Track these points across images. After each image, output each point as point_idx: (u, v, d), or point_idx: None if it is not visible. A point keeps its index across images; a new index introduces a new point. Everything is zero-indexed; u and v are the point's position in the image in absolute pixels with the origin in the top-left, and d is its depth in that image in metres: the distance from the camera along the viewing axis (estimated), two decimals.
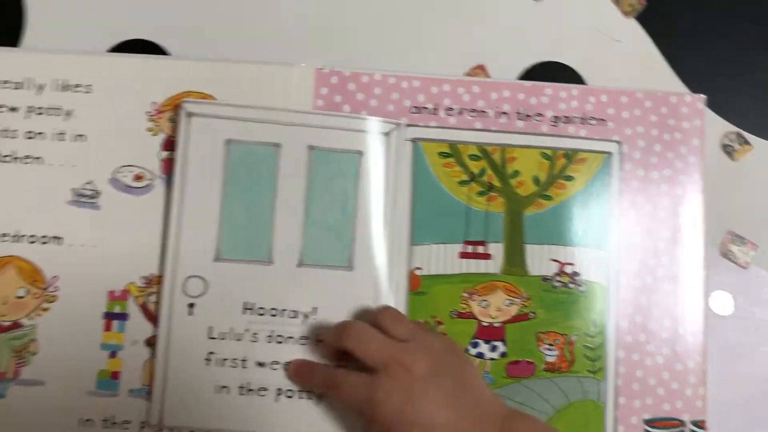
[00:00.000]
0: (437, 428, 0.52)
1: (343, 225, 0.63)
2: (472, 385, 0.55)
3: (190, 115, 0.62)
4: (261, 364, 0.61)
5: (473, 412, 0.53)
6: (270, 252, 0.62)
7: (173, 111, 0.64)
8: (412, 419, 0.52)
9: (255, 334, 0.61)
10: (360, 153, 0.63)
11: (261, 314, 0.61)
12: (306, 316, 0.61)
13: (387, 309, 0.59)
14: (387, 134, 0.64)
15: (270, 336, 0.61)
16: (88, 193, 0.63)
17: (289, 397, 0.60)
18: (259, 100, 0.64)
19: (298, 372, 0.60)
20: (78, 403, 0.60)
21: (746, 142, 0.70)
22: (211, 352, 0.60)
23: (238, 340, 0.61)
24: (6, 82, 0.64)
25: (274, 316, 0.61)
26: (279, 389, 0.60)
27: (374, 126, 0.63)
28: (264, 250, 0.62)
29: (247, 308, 0.61)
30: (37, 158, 0.63)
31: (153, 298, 0.62)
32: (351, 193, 0.63)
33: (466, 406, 0.53)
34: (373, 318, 0.58)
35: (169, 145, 0.63)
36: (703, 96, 0.67)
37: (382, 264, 0.62)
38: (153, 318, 0.61)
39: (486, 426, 0.53)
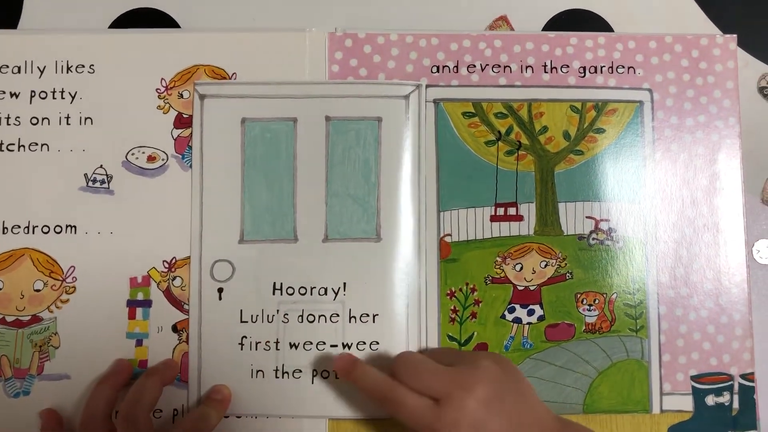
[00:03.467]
0: None
1: (367, 195, 0.60)
2: (530, 403, 0.54)
3: (203, 97, 0.60)
4: (294, 346, 0.59)
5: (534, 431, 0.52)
6: (294, 229, 0.60)
7: (184, 87, 0.60)
8: None
9: (286, 314, 0.59)
10: (379, 119, 0.60)
11: (290, 294, 0.59)
12: (336, 292, 0.59)
13: (436, 348, 0.59)
14: (406, 97, 0.61)
15: (301, 316, 0.59)
16: (100, 178, 0.60)
17: (325, 378, 0.59)
18: (272, 70, 0.61)
19: (344, 369, 0.56)
20: None
21: None
22: (243, 336, 0.59)
23: (270, 322, 0.59)
24: (5, 66, 0.61)
25: (303, 294, 0.59)
26: (314, 370, 0.59)
27: (392, 89, 0.60)
28: (288, 228, 0.60)
29: (276, 289, 0.59)
30: (44, 145, 0.60)
31: (176, 282, 0.59)
32: (373, 162, 0.60)
33: (528, 426, 0.52)
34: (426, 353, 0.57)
35: (182, 122, 0.60)
36: (735, 36, 0.64)
37: (410, 233, 0.60)
38: (177, 303, 0.59)
39: None
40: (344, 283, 0.59)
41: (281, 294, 0.59)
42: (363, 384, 0.54)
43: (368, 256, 0.60)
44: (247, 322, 0.59)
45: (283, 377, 0.58)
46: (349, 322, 0.59)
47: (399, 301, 0.59)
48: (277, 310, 0.59)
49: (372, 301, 0.59)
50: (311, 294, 0.59)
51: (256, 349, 0.59)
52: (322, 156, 0.60)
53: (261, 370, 0.58)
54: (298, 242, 0.59)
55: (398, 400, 0.51)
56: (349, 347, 0.59)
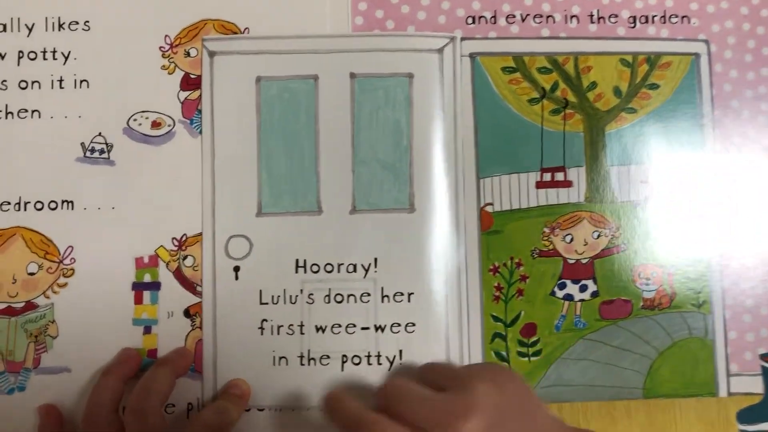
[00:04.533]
0: None
1: (399, 161, 0.54)
2: (536, 424, 0.46)
3: (213, 54, 0.55)
4: (320, 329, 0.53)
5: None
6: (318, 200, 0.54)
7: (191, 44, 0.54)
8: None
9: (311, 294, 0.53)
10: (410, 76, 0.54)
11: (315, 272, 0.53)
12: (366, 269, 0.53)
13: (428, 364, 0.52)
14: (440, 51, 0.55)
15: (328, 296, 0.53)
16: (99, 147, 0.54)
17: (357, 364, 0.53)
18: (290, 24, 0.56)
19: (327, 407, 0.47)
20: None
21: None
22: (264, 320, 0.53)
23: (293, 303, 0.53)
24: None
25: (330, 272, 0.53)
26: (344, 356, 0.53)
27: (424, 43, 0.54)
28: (311, 199, 0.54)
29: (299, 266, 0.53)
30: (35, 111, 0.54)
31: (188, 262, 0.53)
32: (404, 124, 0.54)
33: None
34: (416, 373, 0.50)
35: (189, 83, 0.54)
36: None
37: (447, 202, 0.54)
38: (189, 284, 0.53)
39: None
40: (375, 259, 0.53)
41: (305, 272, 0.53)
42: (336, 415, 0.46)
43: (401, 228, 0.54)
44: (267, 303, 0.53)
45: (309, 364, 0.53)
46: (382, 301, 0.53)
47: (436, 278, 0.53)
48: (301, 290, 0.53)
49: (406, 279, 0.54)
50: (338, 271, 0.53)
51: (278, 334, 0.53)
52: (347, 118, 0.55)
53: (284, 357, 0.53)
54: (322, 214, 0.53)
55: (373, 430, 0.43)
56: (383, 330, 0.53)
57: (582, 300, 0.55)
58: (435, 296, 0.54)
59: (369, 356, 0.53)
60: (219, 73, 0.55)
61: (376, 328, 0.53)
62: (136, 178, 0.54)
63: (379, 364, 0.53)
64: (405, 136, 0.55)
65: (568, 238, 0.55)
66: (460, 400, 0.43)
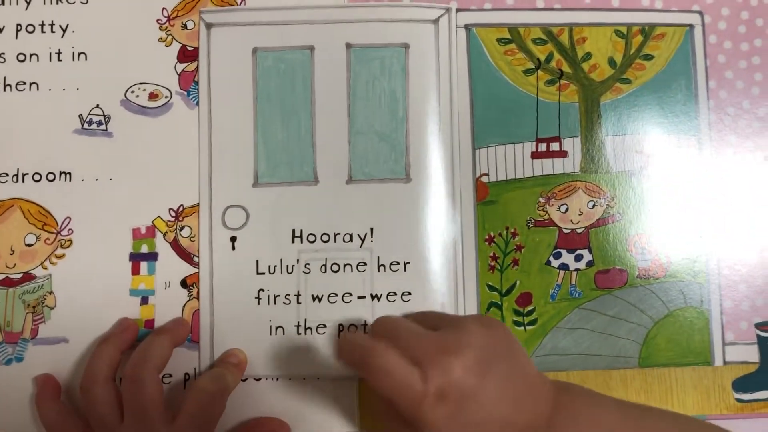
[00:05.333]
0: (495, 426, 0.43)
1: (395, 131, 0.54)
2: (524, 370, 0.46)
3: (210, 26, 0.55)
4: (317, 298, 0.53)
5: (527, 401, 0.45)
6: (314, 170, 0.54)
7: (188, 16, 0.54)
8: (466, 421, 0.42)
9: (307, 264, 0.53)
10: (406, 46, 0.54)
11: (312, 241, 0.53)
12: (362, 238, 0.53)
13: (419, 312, 0.53)
14: (435, 21, 0.55)
15: (324, 265, 0.53)
16: (97, 119, 0.54)
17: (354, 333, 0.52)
18: None
19: (339, 352, 0.47)
20: None
21: None
22: (260, 289, 0.53)
23: (290, 273, 0.53)
24: None
25: (326, 242, 0.53)
26: (340, 325, 0.53)
27: (419, 13, 0.55)
28: (307, 169, 0.54)
29: (296, 236, 0.53)
30: (33, 84, 0.54)
31: (185, 233, 0.53)
32: (400, 94, 0.54)
33: (521, 394, 0.44)
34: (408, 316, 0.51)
35: (186, 55, 0.54)
36: None
37: (442, 173, 0.54)
38: (186, 255, 0.53)
39: (542, 409, 0.45)
40: (371, 229, 0.53)
41: (301, 242, 0.53)
42: (341, 345, 0.46)
43: (397, 198, 0.54)
44: (264, 273, 0.53)
45: (305, 333, 0.53)
46: (378, 271, 0.53)
47: (433, 248, 0.53)
48: (298, 260, 0.53)
49: (402, 248, 0.54)
50: (335, 241, 0.53)
51: (275, 304, 0.53)
52: (343, 88, 0.55)
53: (281, 327, 0.53)
54: (318, 184, 0.53)
55: (383, 366, 0.42)
56: (379, 299, 0.53)
57: (577, 269, 0.55)
58: (431, 266, 0.54)
59: (365, 325, 0.53)
60: (216, 45, 0.55)
61: (372, 297, 0.53)
62: (134, 149, 0.54)
63: None
64: (401, 107, 0.55)
65: (563, 208, 0.55)
66: (452, 336, 0.44)
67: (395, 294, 0.53)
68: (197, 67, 0.55)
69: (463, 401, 0.42)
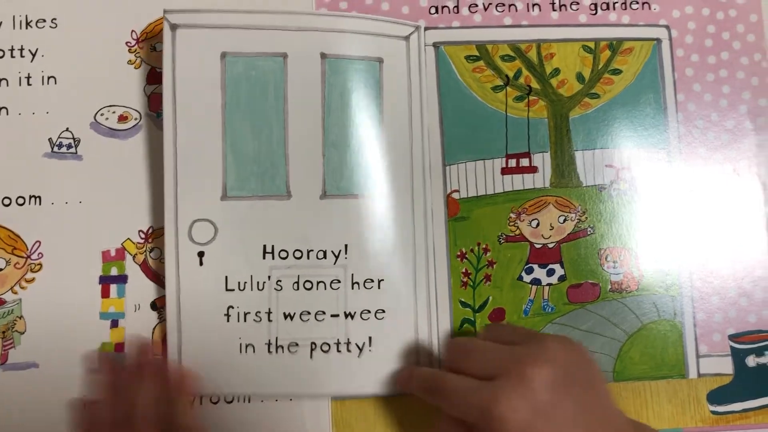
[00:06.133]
0: None
1: (369, 146, 0.54)
2: (600, 397, 0.45)
3: (174, 27, 0.53)
4: (289, 316, 0.52)
5: (603, 430, 0.44)
6: (287, 184, 0.53)
7: (157, 39, 0.54)
8: None
9: (279, 281, 0.52)
10: (380, 61, 0.54)
11: (283, 258, 0.52)
12: (336, 255, 0.52)
13: (493, 324, 0.53)
14: (407, 38, 0.55)
15: (297, 282, 0.53)
16: (67, 142, 0.54)
17: (326, 351, 0.52)
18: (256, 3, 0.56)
19: (399, 380, 0.51)
20: (80, 383, 0.52)
21: None
22: (230, 306, 0.52)
23: (260, 289, 0.52)
24: None
25: (299, 258, 0.52)
26: (312, 343, 0.52)
27: (392, 29, 0.55)
28: (279, 182, 0.53)
29: (267, 252, 0.52)
30: (2, 108, 0.55)
31: (154, 255, 0.53)
32: (374, 108, 0.54)
33: (596, 423, 0.43)
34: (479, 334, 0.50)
35: (155, 77, 0.54)
36: None
37: (414, 190, 0.54)
38: (156, 277, 0.52)
39: None
40: (345, 245, 0.53)
41: (273, 258, 0.52)
42: (411, 383, 0.49)
43: (371, 214, 0.54)
44: (233, 290, 0.52)
45: (276, 352, 0.52)
46: (352, 288, 0.53)
47: (406, 265, 0.53)
48: (269, 276, 0.52)
49: (376, 265, 0.53)
50: (308, 257, 0.53)
51: (245, 321, 0.52)
52: (317, 98, 0.53)
53: (251, 345, 0.52)
54: (291, 199, 0.53)
55: (442, 385, 0.45)
56: (352, 317, 0.52)
57: (550, 284, 0.55)
58: (405, 283, 0.53)
59: (338, 343, 0.52)
60: (181, 48, 0.53)
61: (346, 315, 0.53)
62: (104, 171, 0.54)
63: (349, 351, 0.52)
64: (376, 121, 0.54)
65: (534, 223, 0.55)
66: (531, 350, 0.44)
67: (369, 312, 0.53)
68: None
69: (536, 416, 0.41)
